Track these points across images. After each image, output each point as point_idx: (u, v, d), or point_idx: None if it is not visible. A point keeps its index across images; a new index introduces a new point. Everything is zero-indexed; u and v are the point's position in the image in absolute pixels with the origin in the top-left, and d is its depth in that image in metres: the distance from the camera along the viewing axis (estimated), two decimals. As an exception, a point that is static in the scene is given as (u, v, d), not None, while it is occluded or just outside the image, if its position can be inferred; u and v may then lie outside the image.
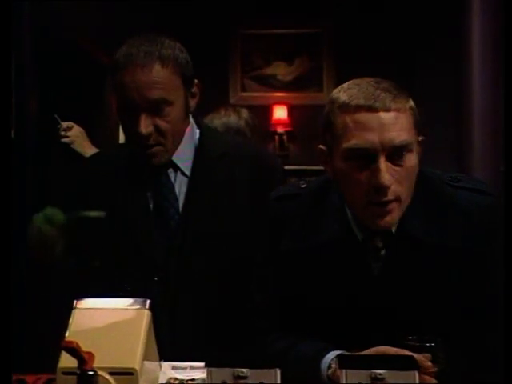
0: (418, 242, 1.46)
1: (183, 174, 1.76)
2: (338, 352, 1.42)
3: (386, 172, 1.38)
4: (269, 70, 6.15)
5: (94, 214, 1.64)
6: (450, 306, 1.46)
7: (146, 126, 1.63)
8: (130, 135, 1.69)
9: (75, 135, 2.85)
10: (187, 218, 1.73)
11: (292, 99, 6.05)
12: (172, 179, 1.75)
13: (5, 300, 1.24)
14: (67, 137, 2.84)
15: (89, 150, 2.73)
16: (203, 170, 1.76)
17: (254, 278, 1.61)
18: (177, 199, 1.74)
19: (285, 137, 6.04)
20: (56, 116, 2.85)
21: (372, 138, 1.38)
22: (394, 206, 1.42)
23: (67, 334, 1.14)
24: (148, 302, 1.19)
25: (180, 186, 1.76)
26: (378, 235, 1.48)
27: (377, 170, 1.38)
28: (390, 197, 1.40)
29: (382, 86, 1.42)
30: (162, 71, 1.65)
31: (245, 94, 6.12)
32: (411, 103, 1.45)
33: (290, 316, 1.54)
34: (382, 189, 1.39)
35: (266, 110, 5.95)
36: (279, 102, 6.05)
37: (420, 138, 1.47)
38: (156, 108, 1.64)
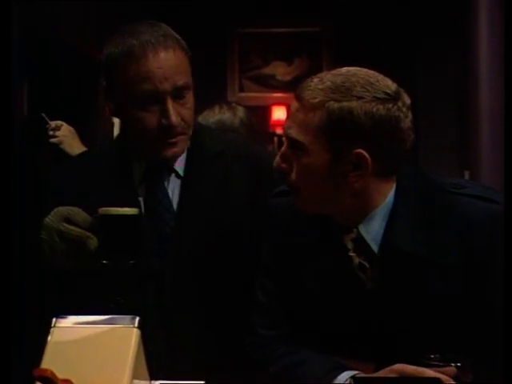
0: (404, 252, 1.36)
1: (177, 175, 1.63)
2: (350, 372, 1.33)
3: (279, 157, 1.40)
4: (267, 70, 6.08)
5: (123, 211, 1.43)
6: (444, 321, 1.35)
7: (175, 114, 1.51)
8: (149, 132, 1.52)
9: (64, 135, 2.73)
10: (183, 222, 1.60)
11: (291, 100, 5.89)
12: (165, 181, 1.62)
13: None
14: (55, 136, 2.72)
15: (78, 150, 2.60)
16: (198, 171, 1.64)
17: (258, 280, 1.53)
18: (171, 204, 1.62)
19: (284, 138, 5.91)
20: (43, 115, 2.73)
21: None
22: None
23: (43, 358, 1.00)
24: (137, 319, 1.05)
25: (173, 189, 1.63)
26: (340, 232, 1.40)
27: None
28: None
29: (326, 78, 1.35)
30: (181, 54, 1.54)
31: (243, 94, 6.04)
32: (335, 106, 1.31)
33: (288, 319, 1.48)
34: None
35: (265, 111, 5.88)
36: (278, 103, 5.98)
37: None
38: (180, 94, 1.52)
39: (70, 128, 2.79)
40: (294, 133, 1.33)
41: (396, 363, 1.27)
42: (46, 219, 1.43)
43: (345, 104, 1.28)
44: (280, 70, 6.06)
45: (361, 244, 1.39)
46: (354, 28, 5.79)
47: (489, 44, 4.14)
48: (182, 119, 1.53)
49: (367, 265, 1.39)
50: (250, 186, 1.65)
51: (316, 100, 1.30)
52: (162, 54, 1.50)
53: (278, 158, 1.38)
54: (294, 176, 1.37)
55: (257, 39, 6.06)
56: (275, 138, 5.94)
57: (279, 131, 5.92)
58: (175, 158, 1.60)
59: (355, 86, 1.30)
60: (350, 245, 1.40)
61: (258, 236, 1.57)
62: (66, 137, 2.74)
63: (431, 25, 5.45)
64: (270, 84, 6.07)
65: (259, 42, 6.06)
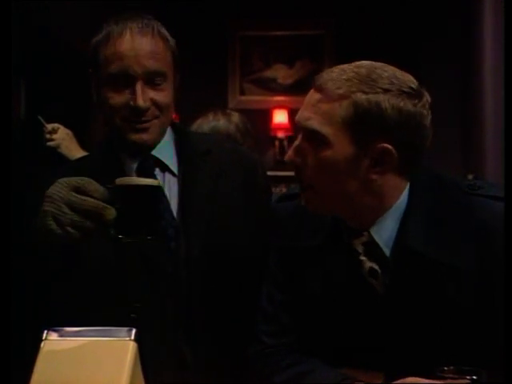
0: (416, 254, 1.29)
1: (171, 173, 1.59)
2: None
3: (290, 150, 1.33)
4: (269, 73, 6.03)
5: (144, 181, 1.32)
6: (458, 329, 1.29)
7: (144, 98, 1.50)
8: (117, 112, 1.51)
9: (61, 138, 2.68)
10: (186, 225, 1.55)
11: (293, 103, 5.89)
12: (160, 180, 1.55)
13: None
14: (52, 140, 2.67)
15: (76, 153, 2.56)
16: (192, 167, 1.60)
17: (263, 287, 1.48)
18: (169, 205, 1.56)
19: (285, 142, 5.90)
20: (40, 117, 2.67)
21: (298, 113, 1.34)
22: None
23: (33, 375, 0.93)
24: (133, 331, 0.99)
25: (170, 189, 1.58)
26: (350, 235, 1.34)
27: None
28: None
29: (349, 69, 1.30)
30: (162, 44, 1.54)
31: (244, 97, 5.98)
32: (363, 98, 1.26)
33: (294, 326, 1.42)
34: None
35: (266, 115, 5.83)
36: (279, 106, 5.92)
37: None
38: (153, 80, 1.52)
39: (68, 131, 2.74)
40: (316, 124, 1.27)
41: (405, 373, 1.21)
42: (50, 191, 1.31)
43: (372, 96, 1.24)
44: (281, 73, 6.01)
45: (372, 248, 1.33)
46: (356, 31, 5.76)
47: (493, 48, 4.09)
48: (155, 104, 1.52)
49: (378, 269, 1.32)
50: (242, 185, 1.62)
51: (341, 90, 1.25)
52: (139, 38, 1.51)
53: (290, 152, 1.32)
54: (308, 171, 1.30)
55: (258, 42, 6.01)
56: (276, 142, 5.90)
57: (280, 135, 5.89)
58: (145, 145, 1.55)
59: (381, 78, 1.26)
60: (360, 248, 1.34)
61: (259, 238, 1.53)
62: (64, 140, 2.69)
63: (433, 27, 5.41)
64: (271, 87, 6.02)
65: (260, 45, 6.01)
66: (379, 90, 1.24)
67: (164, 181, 1.57)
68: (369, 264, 1.33)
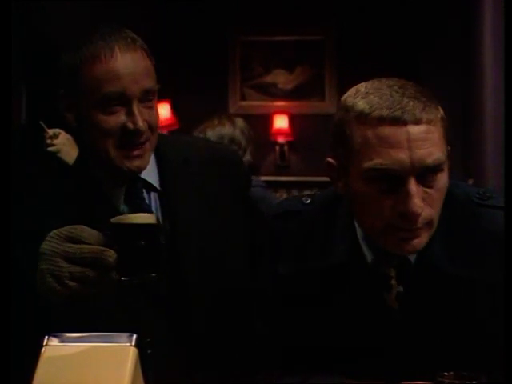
0: (440, 272, 1.28)
1: (154, 190, 1.52)
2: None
3: (417, 197, 1.18)
4: (269, 79, 6.03)
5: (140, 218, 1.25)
6: (481, 346, 1.28)
7: (142, 119, 1.41)
8: (110, 138, 1.42)
9: (62, 143, 2.68)
10: (175, 244, 1.49)
11: (293, 108, 5.90)
12: (147, 201, 1.50)
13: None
14: (53, 145, 2.67)
15: (76, 159, 2.54)
16: (173, 182, 1.52)
17: (254, 303, 1.45)
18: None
19: (285, 147, 5.91)
20: (41, 123, 2.67)
21: (401, 156, 1.18)
22: (422, 230, 1.23)
23: (33, 382, 0.94)
24: (134, 336, 0.99)
25: (157, 209, 1.51)
26: (391, 261, 1.29)
27: (406, 195, 1.19)
28: (420, 224, 1.21)
29: (408, 92, 1.21)
30: (148, 59, 1.47)
31: (244, 102, 5.99)
32: (441, 112, 1.24)
33: (293, 348, 1.36)
34: (413, 217, 1.19)
35: (266, 120, 5.83)
36: (280, 111, 5.92)
37: (448, 149, 1.28)
38: (146, 99, 1.44)
39: (68, 136, 2.73)
40: (440, 155, 1.21)
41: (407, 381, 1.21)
42: (43, 247, 1.25)
43: (439, 106, 1.25)
44: (281, 79, 6.01)
45: (404, 270, 1.29)
46: (356, 36, 5.76)
47: (493, 48, 4.09)
48: (149, 124, 1.44)
49: (403, 291, 1.29)
50: (224, 192, 1.56)
51: (435, 113, 1.22)
52: (131, 55, 1.42)
53: (418, 202, 1.19)
54: (428, 209, 1.21)
55: (258, 47, 6.01)
56: (277, 147, 5.90)
57: (281, 140, 5.89)
58: (139, 172, 1.47)
59: (422, 87, 1.25)
60: (392, 272, 1.29)
61: (245, 249, 1.49)
62: (64, 145, 2.69)
63: (433, 27, 5.40)
64: (271, 92, 6.01)
65: (260, 50, 6.01)
66: (435, 98, 1.25)
67: (150, 200, 1.50)
68: (397, 288, 1.29)
